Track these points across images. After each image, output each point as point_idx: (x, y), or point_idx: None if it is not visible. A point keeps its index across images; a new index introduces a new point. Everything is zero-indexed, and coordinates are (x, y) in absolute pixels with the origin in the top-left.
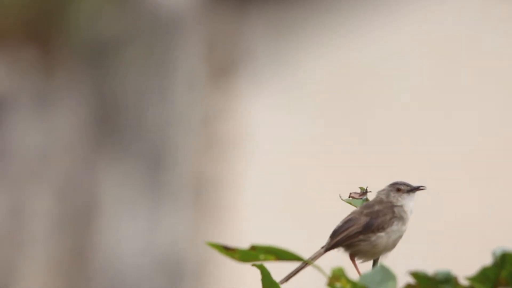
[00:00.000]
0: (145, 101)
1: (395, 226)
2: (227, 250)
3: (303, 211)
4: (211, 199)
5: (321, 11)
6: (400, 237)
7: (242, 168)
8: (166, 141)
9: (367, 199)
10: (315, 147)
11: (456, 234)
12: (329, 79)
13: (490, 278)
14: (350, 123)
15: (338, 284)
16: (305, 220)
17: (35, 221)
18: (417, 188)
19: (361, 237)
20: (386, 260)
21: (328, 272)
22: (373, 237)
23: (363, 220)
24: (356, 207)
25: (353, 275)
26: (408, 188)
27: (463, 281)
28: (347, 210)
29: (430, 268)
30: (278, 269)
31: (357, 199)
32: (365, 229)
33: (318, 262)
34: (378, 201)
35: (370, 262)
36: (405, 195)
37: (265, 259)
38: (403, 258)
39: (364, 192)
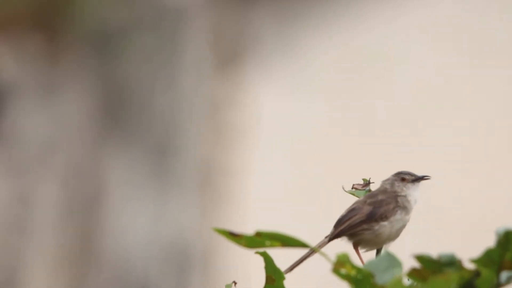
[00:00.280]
0: (152, 89)
1: (398, 215)
2: (233, 236)
3: (309, 199)
4: (218, 187)
5: None
6: (403, 226)
7: (249, 156)
8: (173, 129)
9: (369, 190)
10: (322, 134)
11: (461, 221)
12: (336, 66)
13: (494, 260)
14: (358, 110)
15: (343, 270)
16: (310, 208)
17: (42, 209)
18: (422, 178)
19: (364, 226)
20: (391, 247)
21: (333, 259)
22: (376, 226)
23: (366, 209)
24: (359, 197)
25: (358, 263)
26: (413, 177)
27: (468, 264)
28: (352, 199)
29: (434, 251)
30: (281, 257)
31: (360, 190)
32: (368, 218)
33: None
34: (382, 190)
35: (373, 252)
36: (409, 185)
37: (271, 245)
38: (408, 245)
39: (367, 183)
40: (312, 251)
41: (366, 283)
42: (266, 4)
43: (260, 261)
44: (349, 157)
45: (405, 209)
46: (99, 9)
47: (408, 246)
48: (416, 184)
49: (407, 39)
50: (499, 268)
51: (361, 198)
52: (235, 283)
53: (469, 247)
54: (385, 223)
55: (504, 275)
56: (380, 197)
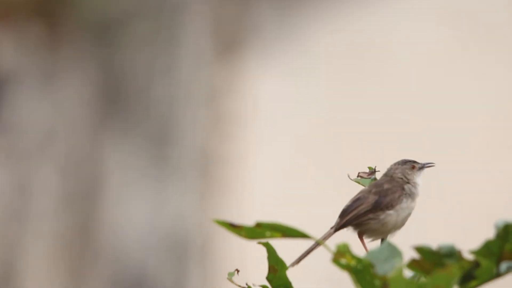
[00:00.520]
0: (152, 78)
1: (404, 204)
2: (233, 227)
3: (309, 187)
4: (217, 175)
5: None
6: (409, 214)
7: (248, 144)
8: (173, 118)
9: (375, 179)
10: (323, 122)
11: (462, 210)
12: (336, 54)
13: (494, 251)
14: (359, 97)
15: (343, 260)
16: (310, 196)
17: (41, 198)
18: (427, 165)
19: (370, 215)
20: (393, 237)
21: (333, 249)
22: (382, 215)
23: (372, 198)
24: (364, 186)
25: (360, 253)
26: (420, 165)
27: (467, 255)
28: (356, 188)
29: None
30: (283, 247)
31: (365, 178)
32: (374, 207)
33: (327, 242)
34: (388, 179)
35: (378, 241)
36: (417, 172)
37: (271, 236)
38: (407, 234)
39: (372, 171)
40: (318, 243)
41: (366, 273)
42: None
43: (261, 250)
44: (350, 145)
45: (411, 196)
46: None
47: (408, 236)
48: (421, 171)
49: (409, 23)
50: (499, 259)
51: (366, 187)
52: (237, 271)
53: (468, 237)
54: (391, 211)
55: (503, 265)
56: (385, 186)
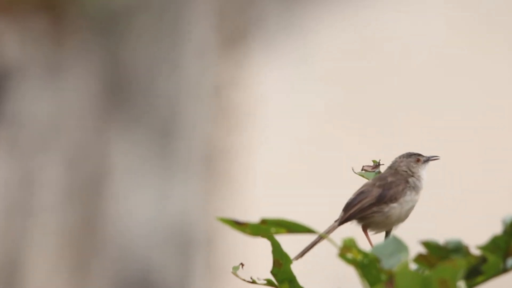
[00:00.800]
0: (156, 71)
1: (408, 196)
2: (238, 225)
3: (314, 181)
4: (222, 169)
5: None
6: (412, 207)
7: (253, 137)
8: (177, 111)
9: (379, 172)
10: (328, 116)
11: (466, 204)
12: (341, 48)
13: (501, 246)
14: (364, 92)
15: (349, 255)
16: (315, 190)
17: (45, 191)
18: (432, 158)
19: (374, 208)
20: (398, 231)
21: (339, 243)
22: (386, 208)
23: (376, 191)
24: (368, 180)
25: (365, 247)
26: (425, 158)
27: (474, 250)
28: (360, 182)
29: (441, 237)
30: (288, 241)
31: (369, 171)
32: (378, 200)
33: (330, 235)
34: (392, 172)
35: (382, 234)
36: (422, 165)
37: (276, 232)
38: (414, 229)
39: (377, 164)
40: (322, 237)
41: (372, 267)
42: None
43: (266, 244)
44: (354, 139)
45: (415, 189)
46: None
47: (413, 230)
48: (426, 164)
49: (415, 23)
50: (505, 254)
51: (370, 180)
52: (242, 265)
53: (474, 231)
54: (395, 204)
55: (510, 260)
56: (389, 179)
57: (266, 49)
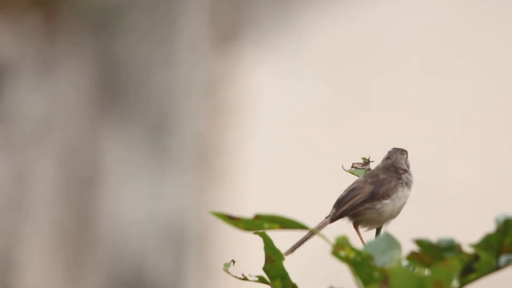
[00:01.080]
0: (149, 67)
1: (400, 192)
2: (231, 219)
3: (307, 178)
4: (215, 165)
5: None
6: (404, 203)
7: (247, 134)
8: (170, 108)
9: (369, 169)
10: (320, 114)
11: (457, 201)
12: (335, 45)
13: (493, 245)
14: (356, 89)
15: (342, 253)
16: (308, 187)
17: (38, 188)
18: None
19: (366, 205)
20: (390, 228)
21: (332, 241)
22: (379, 205)
23: (368, 188)
24: (358, 177)
25: (356, 244)
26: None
27: (467, 248)
28: (350, 178)
29: (433, 235)
30: (280, 238)
31: (359, 169)
32: (370, 197)
33: (322, 231)
34: (384, 169)
35: (373, 231)
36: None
37: (270, 228)
38: (406, 226)
39: (366, 162)
40: (312, 232)
41: (365, 265)
42: None
43: (258, 240)
44: (348, 136)
45: (408, 184)
46: None
47: (405, 226)
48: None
49: (407, 18)
50: (498, 253)
51: (361, 177)
52: (233, 262)
53: (466, 227)
54: (387, 201)
55: (503, 258)
56: (381, 176)
57: (258, 45)
